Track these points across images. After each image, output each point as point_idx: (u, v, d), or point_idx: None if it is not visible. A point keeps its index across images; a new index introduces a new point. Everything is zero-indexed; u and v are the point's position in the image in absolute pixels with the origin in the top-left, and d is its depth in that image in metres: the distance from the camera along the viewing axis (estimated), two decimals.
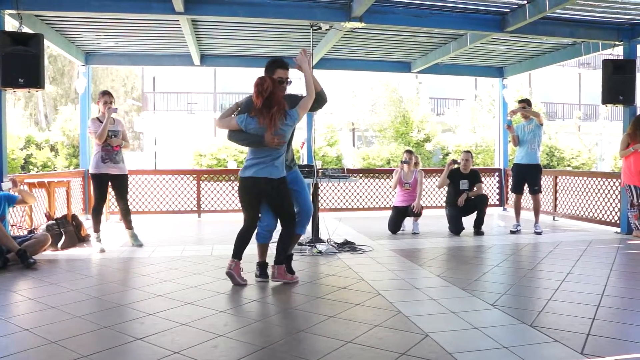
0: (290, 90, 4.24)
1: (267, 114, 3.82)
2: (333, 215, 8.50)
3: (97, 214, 5.76)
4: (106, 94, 5.83)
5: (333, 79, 24.63)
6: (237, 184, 4.34)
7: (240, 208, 4.27)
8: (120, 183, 5.90)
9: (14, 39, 5.57)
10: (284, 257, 4.20)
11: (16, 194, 5.45)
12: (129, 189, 8.60)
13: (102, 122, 5.68)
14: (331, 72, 13.12)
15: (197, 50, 8.15)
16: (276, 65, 4.08)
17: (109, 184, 5.85)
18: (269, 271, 4.25)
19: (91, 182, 6.00)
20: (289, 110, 3.95)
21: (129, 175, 8.68)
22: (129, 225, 5.99)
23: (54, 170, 19.10)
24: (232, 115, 4.05)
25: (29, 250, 4.95)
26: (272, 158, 3.96)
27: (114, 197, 6.13)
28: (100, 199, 5.80)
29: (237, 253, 4.12)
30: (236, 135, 4.00)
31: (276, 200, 4.06)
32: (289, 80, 4.12)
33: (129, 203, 6.20)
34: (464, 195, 6.83)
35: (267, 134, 3.84)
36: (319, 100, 4.14)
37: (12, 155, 18.90)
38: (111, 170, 5.77)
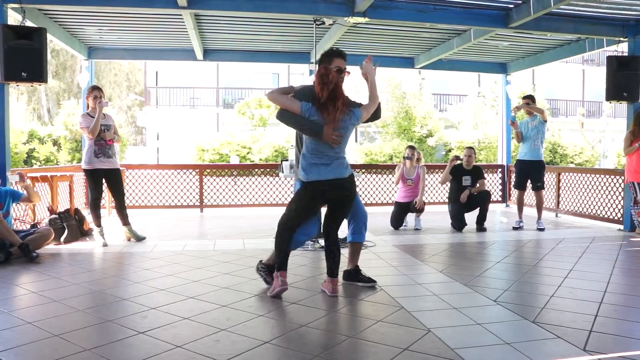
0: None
1: (332, 108, 3.48)
2: None
3: (95, 209, 5.74)
4: (96, 88, 5.79)
5: None
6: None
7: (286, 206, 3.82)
8: (115, 178, 5.87)
9: (16, 32, 5.57)
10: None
11: (22, 190, 5.46)
12: (132, 184, 8.75)
13: (93, 117, 5.62)
14: None
15: (200, 45, 8.14)
16: (335, 54, 3.76)
17: (104, 178, 5.82)
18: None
19: (86, 177, 5.98)
20: (354, 109, 3.63)
21: (131, 170, 8.86)
22: (125, 221, 5.94)
23: (56, 165, 19.13)
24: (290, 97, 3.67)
25: (32, 245, 4.96)
26: (333, 159, 3.59)
27: (110, 193, 6.08)
28: (97, 193, 5.77)
29: (283, 263, 3.69)
30: (293, 119, 3.58)
31: (344, 202, 3.70)
32: (347, 70, 3.79)
33: (126, 198, 6.14)
34: (467, 191, 6.81)
35: (326, 127, 3.49)
36: (376, 113, 3.85)
37: (15, 149, 18.91)
38: (104, 164, 5.72)
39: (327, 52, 3.83)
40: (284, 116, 3.62)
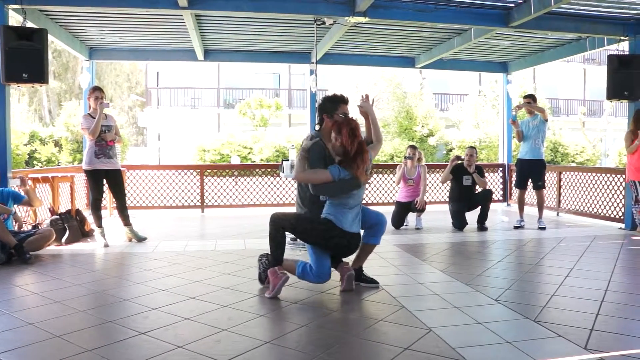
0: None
1: (361, 162, 3.53)
2: None
3: (96, 209, 5.75)
4: (97, 89, 5.78)
5: (336, 74, 24.59)
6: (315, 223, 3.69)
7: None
8: (115, 179, 5.86)
9: (17, 33, 5.58)
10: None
11: (24, 194, 5.46)
12: (133, 184, 8.75)
13: (94, 118, 5.62)
14: (335, 67, 13.12)
15: (200, 45, 8.15)
16: (340, 100, 3.82)
17: (105, 179, 5.82)
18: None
19: (86, 178, 5.98)
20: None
21: (132, 171, 8.87)
22: (126, 222, 5.94)
23: (57, 166, 19.15)
24: (306, 167, 3.66)
25: (33, 246, 4.97)
26: (356, 212, 3.69)
27: (111, 193, 6.08)
28: (98, 194, 5.78)
29: (280, 257, 3.72)
30: (332, 189, 3.57)
31: (346, 253, 3.83)
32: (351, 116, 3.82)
33: (127, 198, 6.14)
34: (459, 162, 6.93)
35: (360, 177, 3.56)
36: None
37: (17, 150, 18.94)
38: (105, 165, 5.71)
39: (332, 98, 3.84)
40: (321, 190, 3.63)
